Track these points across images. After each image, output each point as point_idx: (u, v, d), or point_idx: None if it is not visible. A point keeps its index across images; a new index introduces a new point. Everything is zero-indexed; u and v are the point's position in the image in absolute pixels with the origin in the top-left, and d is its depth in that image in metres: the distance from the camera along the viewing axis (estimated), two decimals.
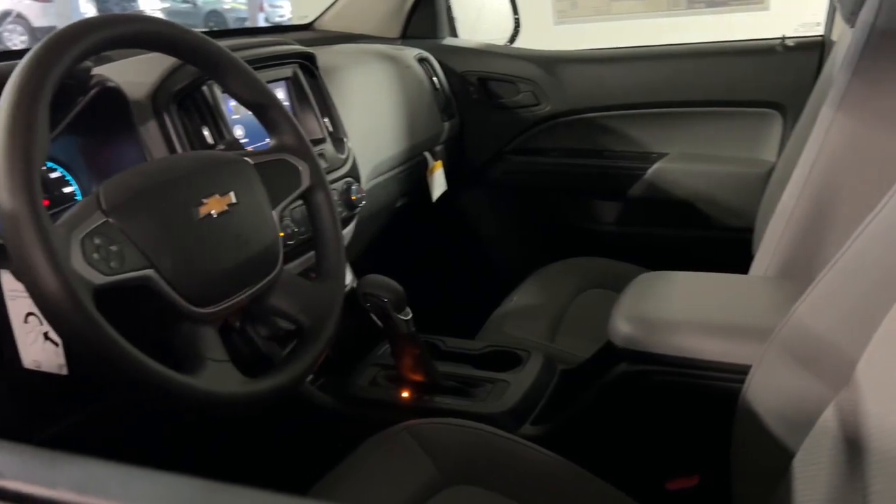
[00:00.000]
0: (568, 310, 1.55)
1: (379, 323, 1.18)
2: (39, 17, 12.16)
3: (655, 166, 1.78)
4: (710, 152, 1.77)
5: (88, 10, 14.11)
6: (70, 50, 0.71)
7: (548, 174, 1.91)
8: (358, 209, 1.32)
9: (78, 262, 0.66)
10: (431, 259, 2.01)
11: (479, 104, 1.91)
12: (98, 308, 0.66)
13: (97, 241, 0.69)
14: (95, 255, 0.68)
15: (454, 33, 2.03)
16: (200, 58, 0.89)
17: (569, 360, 1.32)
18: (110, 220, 0.71)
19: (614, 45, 1.89)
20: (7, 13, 12.71)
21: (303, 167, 0.95)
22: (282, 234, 1.08)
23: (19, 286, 0.76)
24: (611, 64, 1.84)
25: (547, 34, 2.18)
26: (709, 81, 1.74)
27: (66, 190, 1.06)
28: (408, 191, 1.71)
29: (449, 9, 2.00)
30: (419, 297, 1.39)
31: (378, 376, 1.26)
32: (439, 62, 1.86)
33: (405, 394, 1.19)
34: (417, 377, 1.19)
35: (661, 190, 1.79)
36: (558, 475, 0.98)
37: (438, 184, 1.77)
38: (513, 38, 2.06)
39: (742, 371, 0.88)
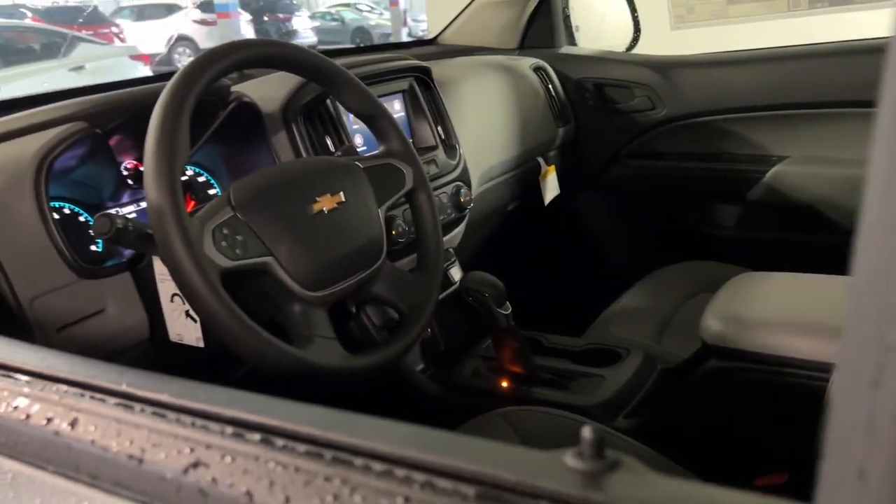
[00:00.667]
0: (677, 312, 1.55)
1: (481, 316, 1.26)
2: (205, 40, 13.30)
3: (775, 169, 1.75)
4: (834, 155, 1.72)
5: (248, 32, 15.17)
6: (208, 71, 0.85)
7: (664, 178, 1.92)
8: (466, 211, 1.41)
9: (209, 248, 0.79)
10: (543, 261, 2.06)
11: (595, 109, 1.95)
12: (225, 288, 0.79)
13: (225, 231, 0.82)
14: (224, 243, 0.81)
15: (572, 42, 2.08)
16: (319, 75, 1.01)
17: (671, 360, 1.34)
18: (237, 214, 0.84)
19: (733, 49, 1.88)
20: (178, 37, 13.97)
21: (407, 171, 1.05)
22: (393, 233, 1.19)
23: (166, 271, 0.90)
24: (729, 67, 1.83)
25: (664, 39, 2.18)
26: (833, 82, 1.69)
27: (211, 192, 1.22)
28: (520, 194, 1.79)
29: (567, 19, 2.05)
30: (530, 297, 1.45)
31: (480, 367, 1.34)
32: (556, 70, 1.92)
33: (504, 384, 1.27)
34: (516, 368, 1.26)
35: (781, 193, 1.75)
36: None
37: (551, 188, 1.83)
38: (631, 46, 2.08)
39: (830, 369, 0.88)
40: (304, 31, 14.94)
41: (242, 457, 0.36)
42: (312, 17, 16.37)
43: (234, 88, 1.15)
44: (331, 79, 1.01)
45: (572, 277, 2.06)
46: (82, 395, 0.42)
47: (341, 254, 0.92)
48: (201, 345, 0.92)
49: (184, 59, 12.79)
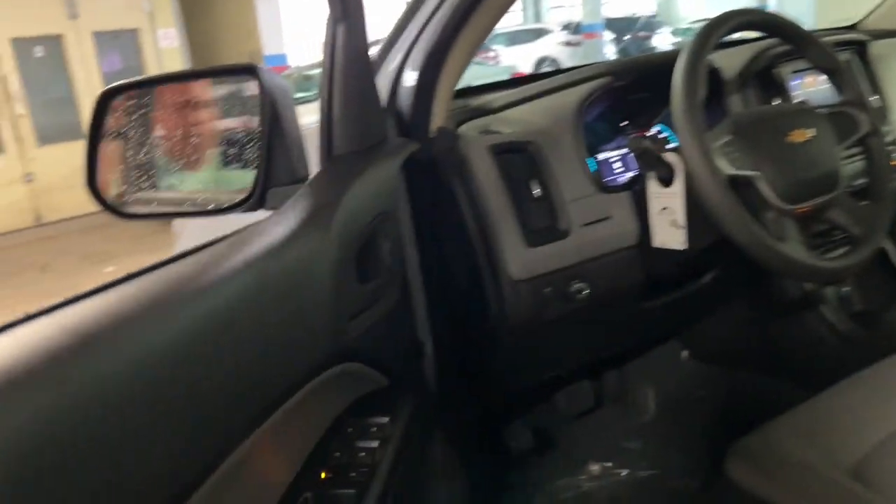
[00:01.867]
0: None
1: None
2: (567, 60, 14.15)
3: None
4: None
5: (609, 51, 15.64)
6: (715, 33, 1.11)
7: None
8: None
9: (719, 161, 1.05)
10: None
11: None
12: None
13: (727, 149, 1.07)
14: (726, 158, 1.07)
15: None
16: (791, 35, 1.22)
17: None
18: (734, 138, 1.09)
19: None
20: (543, 58, 15.02)
21: (861, 118, 1.21)
22: None
23: (659, 189, 1.18)
24: None
25: None
26: None
27: (668, 146, 1.49)
28: None
29: None
30: None
31: None
32: None
33: None
34: None
35: None
36: None
37: None
38: None
39: None
40: (665, 47, 15.02)
41: None
42: (674, 33, 16.37)
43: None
44: (801, 39, 1.22)
45: None
46: None
47: (808, 177, 1.12)
48: (685, 247, 1.18)
49: None
